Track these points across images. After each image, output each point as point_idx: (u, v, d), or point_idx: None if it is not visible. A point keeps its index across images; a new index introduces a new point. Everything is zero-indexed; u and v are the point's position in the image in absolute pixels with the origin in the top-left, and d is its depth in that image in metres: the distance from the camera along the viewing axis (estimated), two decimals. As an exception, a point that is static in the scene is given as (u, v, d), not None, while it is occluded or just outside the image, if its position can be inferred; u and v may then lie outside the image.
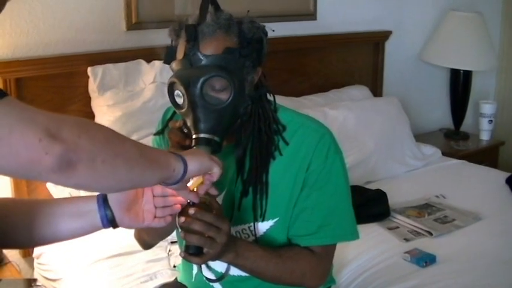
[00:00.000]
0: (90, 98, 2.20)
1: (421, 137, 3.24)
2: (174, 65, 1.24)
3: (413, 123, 3.06)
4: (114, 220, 1.11)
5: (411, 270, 1.87)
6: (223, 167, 1.08)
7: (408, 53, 3.42)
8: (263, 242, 1.32)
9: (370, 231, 2.10)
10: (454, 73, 3.46)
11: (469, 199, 2.44)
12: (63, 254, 1.92)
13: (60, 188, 1.93)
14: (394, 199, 2.33)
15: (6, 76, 2.02)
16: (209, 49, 1.20)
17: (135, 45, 2.33)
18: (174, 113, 1.35)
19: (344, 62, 3.08)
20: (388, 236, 2.12)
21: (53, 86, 2.15)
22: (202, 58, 1.20)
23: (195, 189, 1.08)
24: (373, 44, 3.20)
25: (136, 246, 1.45)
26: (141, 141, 1.24)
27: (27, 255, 2.15)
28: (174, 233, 1.43)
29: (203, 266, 1.37)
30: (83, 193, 1.04)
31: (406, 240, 2.09)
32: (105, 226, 1.12)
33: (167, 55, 1.26)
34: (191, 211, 1.13)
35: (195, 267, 1.42)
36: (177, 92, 1.21)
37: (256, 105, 1.29)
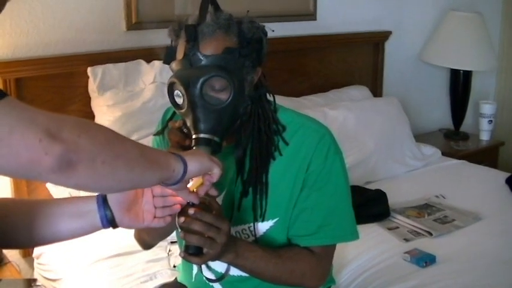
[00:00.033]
0: (90, 98, 2.20)
1: (421, 137, 3.24)
2: (173, 65, 1.24)
3: (413, 124, 3.06)
4: (113, 220, 1.11)
5: (411, 270, 1.87)
6: (223, 167, 1.08)
7: (408, 53, 3.42)
8: (263, 242, 1.32)
9: (370, 231, 2.10)
10: (454, 73, 3.46)
11: (469, 199, 2.44)
12: (63, 254, 1.92)
13: (60, 188, 1.93)
14: (394, 199, 2.33)
15: (6, 76, 2.02)
16: (209, 49, 1.20)
17: (135, 45, 2.33)
18: (174, 113, 1.35)
19: (344, 62, 3.08)
20: (388, 236, 2.12)
21: (53, 86, 2.15)
22: (202, 58, 1.20)
23: (195, 190, 1.08)
24: (373, 44, 3.20)
25: (136, 246, 1.45)
26: (141, 141, 1.24)
27: (27, 255, 2.15)
28: (174, 233, 1.43)
29: (203, 266, 1.37)
30: (82, 193, 1.04)
31: (406, 240, 2.09)
32: (104, 226, 1.12)
33: (167, 55, 1.26)
34: (191, 211, 1.13)
35: (195, 268, 1.42)
36: (176, 92, 1.21)
37: (256, 106, 1.29)
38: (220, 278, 1.35)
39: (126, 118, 2.16)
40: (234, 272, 1.34)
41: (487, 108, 3.44)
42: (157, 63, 2.27)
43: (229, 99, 1.20)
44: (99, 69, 2.17)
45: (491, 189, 2.60)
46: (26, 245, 1.62)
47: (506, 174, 2.70)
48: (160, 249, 1.88)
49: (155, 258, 1.90)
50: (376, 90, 3.22)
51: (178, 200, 1.13)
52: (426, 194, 2.50)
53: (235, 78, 1.20)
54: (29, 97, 2.06)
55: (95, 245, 1.89)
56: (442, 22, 3.35)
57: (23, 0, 2.07)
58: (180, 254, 1.21)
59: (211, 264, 1.36)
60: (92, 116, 2.17)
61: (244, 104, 1.25)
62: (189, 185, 1.07)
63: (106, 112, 2.16)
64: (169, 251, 1.89)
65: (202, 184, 1.08)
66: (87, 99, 2.21)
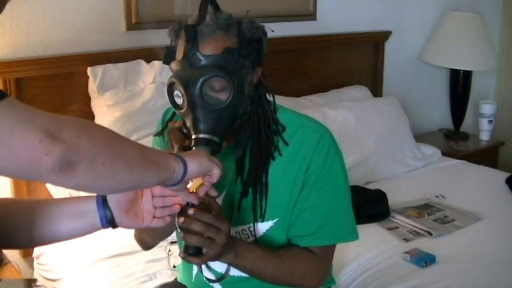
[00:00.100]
0: (90, 98, 2.20)
1: (420, 137, 3.24)
2: (173, 65, 1.24)
3: (413, 124, 3.06)
4: (113, 220, 1.11)
5: (411, 270, 1.88)
6: (222, 168, 1.08)
7: (408, 53, 3.42)
8: (263, 243, 1.32)
9: (370, 232, 2.10)
10: (454, 73, 3.46)
11: (468, 199, 2.44)
12: (63, 254, 1.92)
13: (60, 188, 1.92)
14: (393, 199, 2.33)
15: (6, 76, 2.03)
16: (208, 49, 1.20)
17: (134, 46, 2.33)
18: (174, 113, 1.35)
19: (344, 62, 3.08)
20: (388, 236, 2.12)
21: (52, 86, 2.15)
22: (201, 58, 1.20)
23: (195, 191, 1.08)
24: (373, 44, 3.20)
25: (136, 246, 1.45)
26: (140, 141, 1.24)
27: (27, 255, 2.15)
28: (174, 233, 1.43)
29: (203, 266, 1.37)
30: (82, 193, 1.04)
31: (406, 240, 2.09)
32: (104, 226, 1.12)
33: (166, 55, 1.26)
34: (190, 211, 1.13)
35: (195, 268, 1.42)
36: (176, 92, 1.21)
37: (255, 106, 1.29)
38: (220, 278, 1.35)
39: (126, 118, 2.16)
40: (234, 272, 1.34)
41: (487, 108, 3.44)
42: (157, 63, 2.27)
43: (229, 100, 1.20)
44: (99, 69, 2.17)
45: (491, 189, 2.60)
46: (26, 245, 1.62)
47: (506, 174, 2.70)
48: (160, 249, 1.88)
49: (155, 258, 1.90)
50: (376, 90, 3.22)
51: (177, 200, 1.13)
52: (426, 194, 2.50)
53: (235, 78, 1.20)
54: (29, 97, 2.06)
55: (95, 245, 1.89)
56: (442, 22, 3.35)
57: (23, 0, 2.07)
58: (179, 254, 1.21)
59: (212, 264, 1.36)
60: (92, 116, 2.18)
61: (244, 104, 1.25)
62: (188, 186, 1.07)
63: (106, 112, 2.16)
64: (169, 251, 1.89)
65: (202, 185, 1.08)
66: (87, 99, 2.21)
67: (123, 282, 1.80)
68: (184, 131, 1.25)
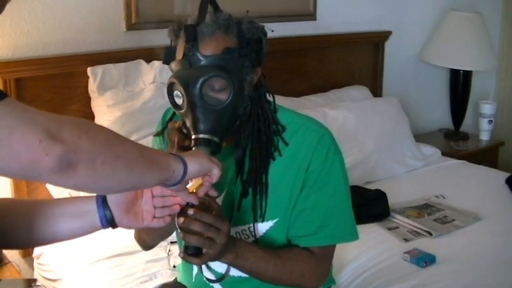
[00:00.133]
0: (90, 98, 2.20)
1: (420, 137, 3.24)
2: (173, 65, 1.24)
3: (413, 124, 3.06)
4: (113, 220, 1.11)
5: (411, 270, 1.88)
6: (222, 168, 1.08)
7: (408, 53, 3.42)
8: (263, 243, 1.32)
9: (370, 232, 2.10)
10: (454, 73, 3.46)
11: (468, 199, 2.44)
12: (63, 254, 1.92)
13: (60, 188, 1.91)
14: (393, 199, 2.33)
15: (6, 76, 2.03)
16: (208, 49, 1.20)
17: (134, 46, 2.33)
18: (174, 113, 1.34)
19: (344, 62, 3.08)
20: (388, 236, 2.12)
21: (52, 86, 2.15)
22: (201, 58, 1.19)
23: (195, 191, 1.08)
24: (373, 44, 3.20)
25: (136, 246, 1.45)
26: (140, 141, 1.24)
27: (27, 255, 2.15)
28: (174, 234, 1.43)
29: (203, 266, 1.37)
30: (82, 193, 1.04)
31: (406, 240, 2.09)
32: (104, 226, 1.12)
33: (166, 55, 1.26)
34: (190, 212, 1.13)
35: (195, 268, 1.42)
36: (176, 92, 1.21)
37: (255, 106, 1.29)
38: (220, 278, 1.35)
39: (126, 118, 2.16)
40: (234, 272, 1.33)
41: (487, 108, 3.44)
42: (157, 63, 2.27)
43: (229, 100, 1.20)
44: (99, 69, 2.17)
45: (491, 189, 2.60)
46: (26, 245, 1.62)
47: (506, 174, 2.70)
48: (160, 249, 1.88)
49: (155, 258, 1.90)
50: (376, 90, 3.22)
51: (177, 200, 1.13)
52: (426, 194, 2.50)
53: (235, 78, 1.20)
54: (29, 97, 2.06)
55: (95, 245, 1.89)
56: (442, 22, 3.35)
57: (23, 1, 2.07)
58: (179, 255, 1.21)
59: (212, 264, 1.36)
60: (92, 116, 2.18)
61: (243, 104, 1.25)
62: (188, 186, 1.07)
63: (106, 112, 2.16)
64: (169, 251, 1.89)
65: (201, 185, 1.08)
66: (87, 99, 2.21)
67: (123, 282, 1.80)
68: (184, 131, 1.25)
